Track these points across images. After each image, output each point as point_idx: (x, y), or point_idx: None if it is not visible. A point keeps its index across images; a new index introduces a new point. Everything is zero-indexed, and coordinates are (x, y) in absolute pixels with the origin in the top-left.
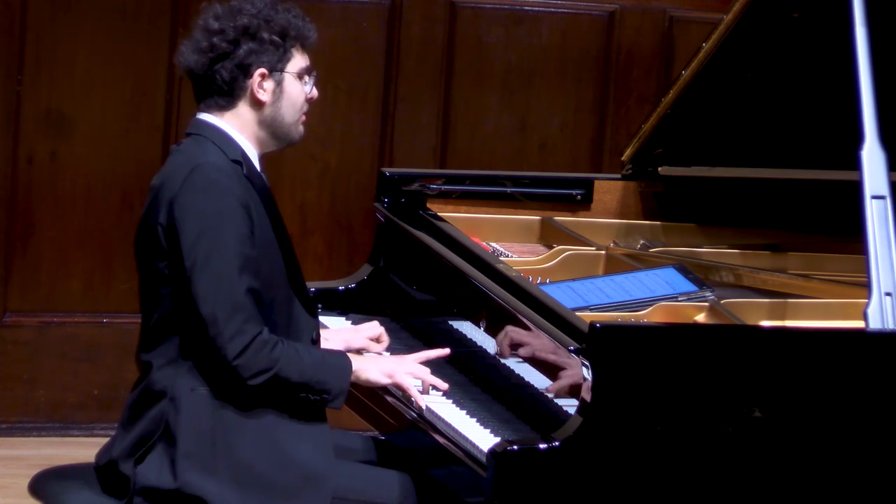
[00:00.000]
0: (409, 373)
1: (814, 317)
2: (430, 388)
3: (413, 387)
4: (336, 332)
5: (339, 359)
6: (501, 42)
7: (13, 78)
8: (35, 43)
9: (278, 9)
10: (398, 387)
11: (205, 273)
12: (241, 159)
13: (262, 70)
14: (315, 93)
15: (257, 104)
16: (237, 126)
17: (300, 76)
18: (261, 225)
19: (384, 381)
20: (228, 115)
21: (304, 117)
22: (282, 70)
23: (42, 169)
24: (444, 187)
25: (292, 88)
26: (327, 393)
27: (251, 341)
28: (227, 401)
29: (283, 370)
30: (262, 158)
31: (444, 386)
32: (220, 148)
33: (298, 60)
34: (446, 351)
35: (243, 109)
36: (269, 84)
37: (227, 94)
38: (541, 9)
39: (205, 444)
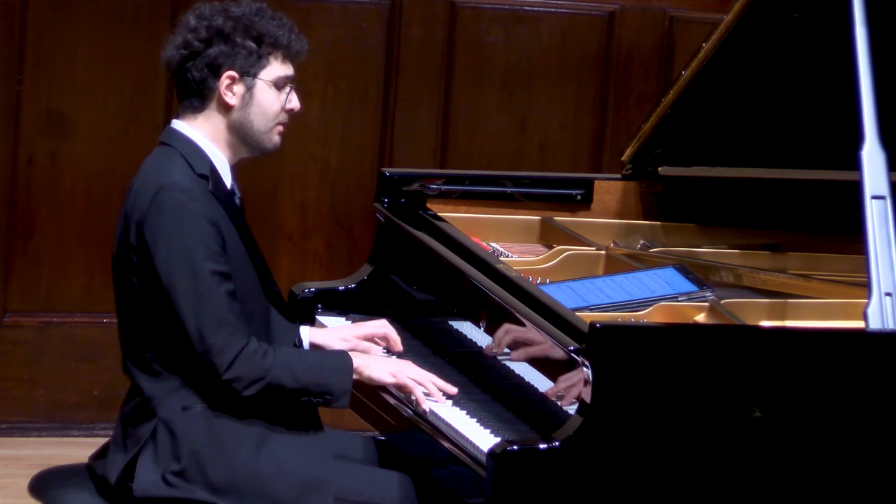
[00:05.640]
0: (413, 376)
1: (814, 317)
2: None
3: (417, 387)
4: (339, 329)
5: (339, 358)
6: (501, 42)
7: (13, 78)
8: (35, 43)
9: (264, 16)
10: (401, 387)
11: (184, 294)
12: (209, 173)
13: (232, 73)
14: (296, 104)
15: (225, 108)
16: (208, 133)
17: (277, 85)
18: (231, 239)
19: (388, 379)
20: (201, 118)
21: (281, 128)
22: (254, 76)
23: (42, 169)
24: (444, 187)
25: (264, 96)
26: (329, 394)
27: (239, 353)
28: (220, 414)
29: (275, 378)
30: (234, 167)
31: (453, 390)
32: (189, 161)
33: (276, 69)
34: (453, 389)
35: (213, 113)
36: (238, 88)
37: (197, 94)
38: (541, 9)
39: (201, 459)
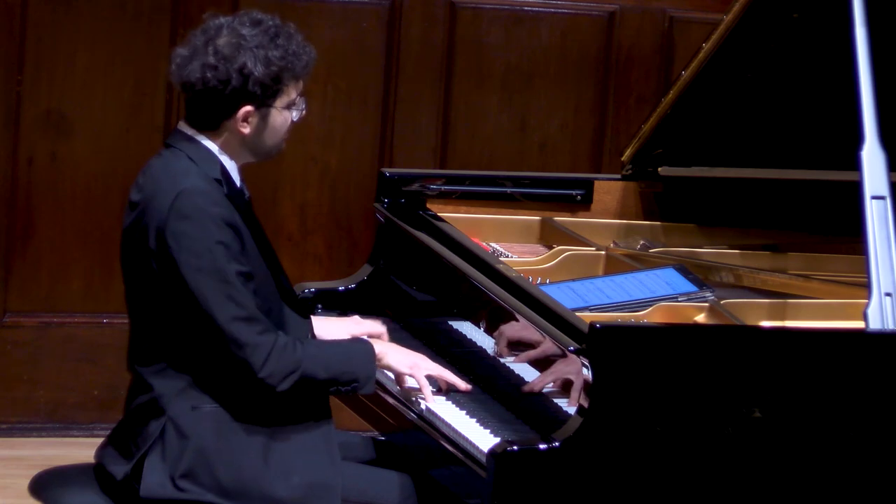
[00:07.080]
0: (428, 372)
1: (814, 317)
2: (449, 389)
3: (428, 385)
4: (338, 321)
5: (361, 346)
6: (501, 42)
7: (13, 78)
8: (35, 43)
9: (279, 42)
10: (415, 379)
11: (212, 296)
12: (221, 177)
13: (248, 108)
14: (303, 113)
15: (239, 134)
16: (218, 142)
17: (289, 106)
18: (247, 239)
19: (405, 370)
20: (210, 132)
21: (286, 135)
22: (269, 105)
23: (42, 169)
24: (444, 188)
25: (276, 120)
26: (356, 381)
27: (271, 349)
28: (229, 415)
29: (307, 369)
30: (241, 168)
31: (466, 387)
32: (201, 165)
33: (290, 93)
34: (467, 387)
35: (225, 132)
36: (253, 119)
37: (211, 120)
38: (541, 9)
39: (208, 460)
